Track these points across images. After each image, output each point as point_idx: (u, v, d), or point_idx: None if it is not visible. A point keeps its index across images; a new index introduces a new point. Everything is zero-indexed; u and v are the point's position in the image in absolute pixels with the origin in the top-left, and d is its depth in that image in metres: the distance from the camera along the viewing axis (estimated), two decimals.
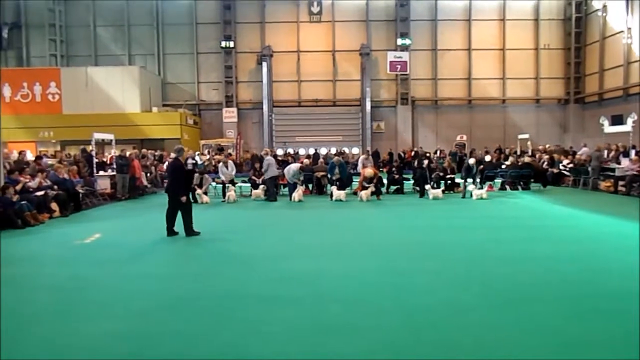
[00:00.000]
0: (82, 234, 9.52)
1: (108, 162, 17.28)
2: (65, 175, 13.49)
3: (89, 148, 17.50)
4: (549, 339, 4.15)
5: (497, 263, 6.82)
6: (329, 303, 5.16)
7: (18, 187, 11.16)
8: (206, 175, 15.91)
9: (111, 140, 18.44)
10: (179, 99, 31.87)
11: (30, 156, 18.35)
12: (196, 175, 15.98)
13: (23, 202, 10.67)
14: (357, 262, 7.02)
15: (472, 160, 15.58)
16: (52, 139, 27.72)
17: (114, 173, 16.27)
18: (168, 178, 9.85)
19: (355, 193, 16.04)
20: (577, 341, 4.12)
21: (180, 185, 9.06)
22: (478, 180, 15.75)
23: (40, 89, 27.82)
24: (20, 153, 17.45)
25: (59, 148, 26.47)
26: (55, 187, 12.47)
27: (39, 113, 27.22)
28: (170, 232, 9.04)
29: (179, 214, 9.06)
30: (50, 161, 16.44)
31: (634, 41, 26.58)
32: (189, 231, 9.03)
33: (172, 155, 10.26)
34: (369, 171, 15.44)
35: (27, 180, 11.95)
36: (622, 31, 27.30)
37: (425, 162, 16.71)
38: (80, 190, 13.76)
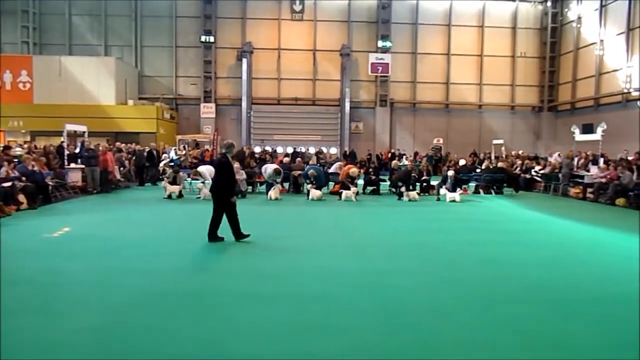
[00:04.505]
0: (52, 227, 9.25)
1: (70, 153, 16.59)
2: (36, 168, 13.11)
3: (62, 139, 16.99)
4: (527, 340, 4.21)
5: (473, 265, 6.90)
6: (307, 302, 5.14)
7: None
8: (181, 173, 15.84)
9: (84, 132, 17.96)
10: (156, 93, 31.31)
11: None
12: (169, 171, 15.85)
13: None
14: (335, 261, 7.01)
15: (451, 173, 15.78)
16: (21, 129, 26.90)
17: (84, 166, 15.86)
18: (215, 176, 8.49)
19: (332, 193, 16.06)
20: (554, 342, 4.19)
21: (229, 185, 8.19)
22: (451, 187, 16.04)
23: (11, 77, 27.00)
24: None
25: (28, 138, 25.71)
26: (24, 178, 12.09)
27: (9, 102, 26.29)
28: (214, 237, 8.05)
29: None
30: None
31: (605, 53, 27.44)
32: (239, 235, 8.16)
33: (222, 151, 8.67)
34: (354, 170, 15.44)
35: None
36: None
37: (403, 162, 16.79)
38: (50, 183, 13.37)
